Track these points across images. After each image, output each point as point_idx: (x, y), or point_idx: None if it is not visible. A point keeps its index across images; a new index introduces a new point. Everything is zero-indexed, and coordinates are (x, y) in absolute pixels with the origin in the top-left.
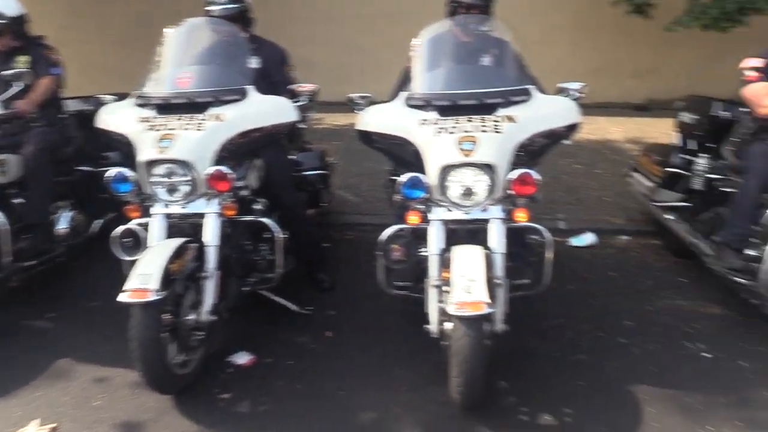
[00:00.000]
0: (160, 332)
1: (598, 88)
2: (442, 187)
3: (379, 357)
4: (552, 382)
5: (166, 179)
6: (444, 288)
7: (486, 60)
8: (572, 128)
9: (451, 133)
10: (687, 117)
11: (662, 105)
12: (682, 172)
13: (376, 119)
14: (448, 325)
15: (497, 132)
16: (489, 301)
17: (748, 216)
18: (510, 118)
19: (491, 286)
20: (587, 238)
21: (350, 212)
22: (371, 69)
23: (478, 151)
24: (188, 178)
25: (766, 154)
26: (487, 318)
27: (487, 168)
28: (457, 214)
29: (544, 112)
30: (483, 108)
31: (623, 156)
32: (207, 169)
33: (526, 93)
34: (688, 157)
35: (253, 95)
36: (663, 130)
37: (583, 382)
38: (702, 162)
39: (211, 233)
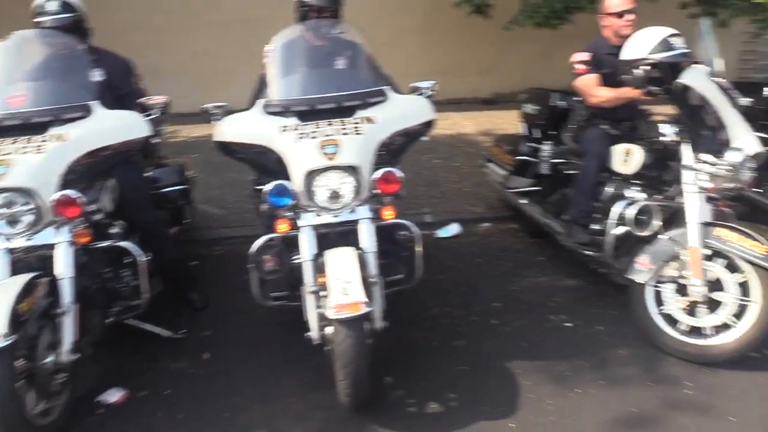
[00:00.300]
0: (15, 381)
1: (448, 86)
2: (309, 192)
3: (261, 371)
4: (435, 371)
5: (4, 210)
6: (321, 293)
7: (340, 63)
8: (428, 125)
9: (313, 137)
10: (529, 108)
11: (507, 98)
12: (530, 159)
13: (234, 129)
14: (329, 330)
15: (358, 134)
16: (366, 300)
17: (590, 194)
18: (369, 120)
19: (367, 286)
20: (452, 229)
21: (217, 226)
22: (224, 77)
23: (341, 153)
24: (31, 206)
25: (599, 137)
26: (366, 317)
27: (352, 170)
28: (327, 218)
29: (400, 111)
30: (342, 111)
31: (477, 148)
32: (52, 195)
33: (383, 94)
34: (534, 145)
35: (99, 111)
36: (510, 121)
37: (463, 366)
38: (546, 149)
39: (63, 265)
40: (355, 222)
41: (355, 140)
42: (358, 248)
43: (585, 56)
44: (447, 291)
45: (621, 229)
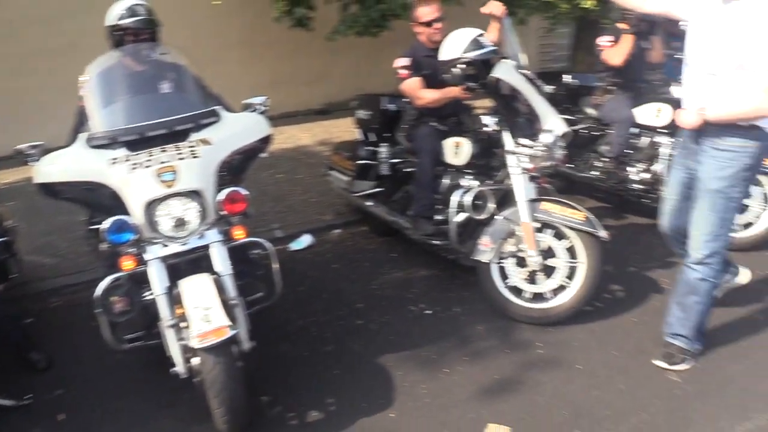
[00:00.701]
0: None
1: (278, 100)
2: (152, 223)
3: (130, 418)
4: (309, 380)
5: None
6: (181, 324)
7: (165, 87)
8: (266, 140)
9: (147, 166)
10: (362, 114)
11: (339, 106)
12: (369, 162)
13: (57, 168)
14: (196, 360)
15: (195, 157)
16: (230, 323)
17: (429, 188)
18: (205, 141)
19: (228, 309)
20: (305, 240)
21: (50, 276)
22: (32, 114)
23: (181, 179)
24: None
25: (430, 134)
26: (232, 340)
27: (194, 194)
28: (175, 248)
29: (236, 129)
30: (174, 136)
31: (318, 158)
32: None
33: (215, 114)
34: (371, 148)
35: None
36: (345, 129)
37: (336, 370)
38: (383, 151)
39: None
40: (205, 247)
41: (193, 164)
42: (212, 273)
43: (405, 61)
44: (309, 301)
45: (461, 216)
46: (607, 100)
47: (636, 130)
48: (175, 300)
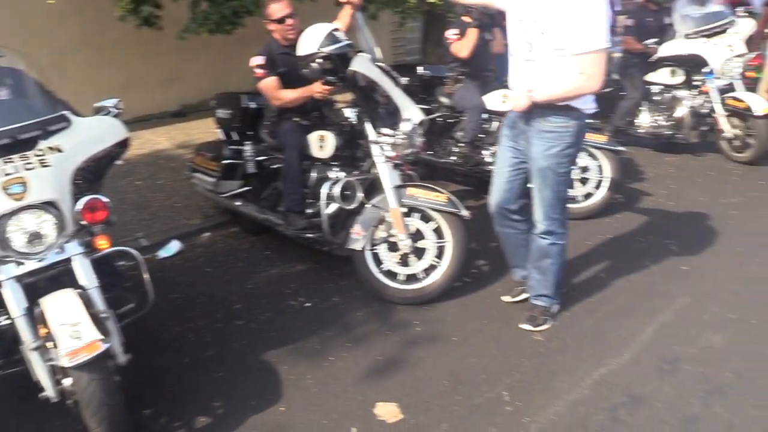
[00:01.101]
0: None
1: (132, 103)
2: (2, 241)
3: None
4: (193, 387)
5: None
6: (47, 344)
7: (3, 93)
8: (123, 145)
9: None
10: (222, 113)
11: (195, 107)
12: (235, 161)
13: None
14: (67, 381)
15: (45, 166)
16: (102, 337)
17: (298, 183)
18: (55, 149)
19: (99, 323)
20: (173, 247)
21: None
22: None
23: (32, 191)
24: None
25: (293, 129)
26: (107, 355)
27: (49, 205)
28: (31, 265)
29: (90, 134)
30: (19, 145)
31: (178, 162)
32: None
33: (65, 119)
34: (236, 147)
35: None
36: (205, 130)
37: (220, 372)
38: (248, 149)
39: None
40: (66, 261)
41: (44, 173)
42: (77, 287)
43: (260, 60)
44: (184, 307)
45: (332, 208)
46: (458, 89)
47: (486, 116)
48: (38, 320)
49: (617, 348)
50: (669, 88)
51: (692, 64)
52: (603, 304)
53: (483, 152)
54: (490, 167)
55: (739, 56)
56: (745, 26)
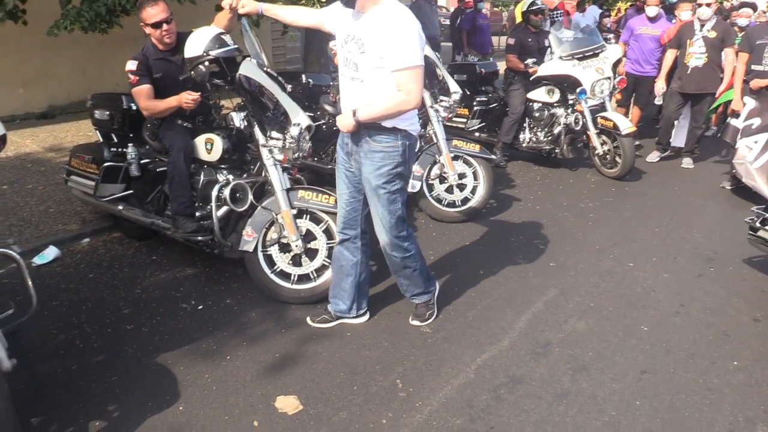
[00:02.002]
0: None
1: None
2: None
3: None
4: (84, 392)
5: None
6: None
7: None
8: (2, 140)
9: None
10: (101, 114)
11: (64, 109)
12: (116, 164)
13: None
14: None
15: None
16: None
17: (186, 185)
18: None
19: None
20: (50, 253)
21: None
22: None
23: None
24: None
25: (179, 132)
26: None
27: None
28: None
29: None
30: None
31: (49, 165)
32: None
33: None
34: (117, 149)
35: None
36: (77, 132)
37: (113, 376)
38: (131, 151)
39: None
40: None
41: None
42: None
43: (133, 66)
44: (69, 314)
45: (222, 210)
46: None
47: None
48: None
49: (496, 335)
50: (547, 106)
51: (567, 84)
52: (482, 297)
53: None
54: None
55: (607, 78)
56: (614, 52)
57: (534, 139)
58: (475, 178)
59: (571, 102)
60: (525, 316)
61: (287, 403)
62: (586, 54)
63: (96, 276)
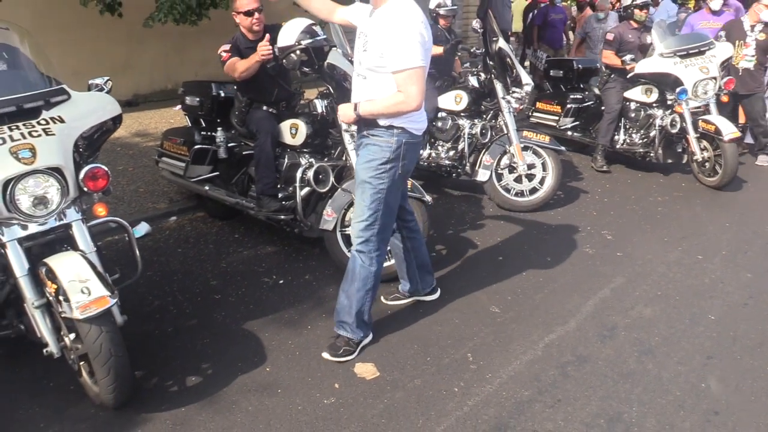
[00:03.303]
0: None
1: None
2: (11, 203)
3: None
4: (180, 352)
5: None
6: (61, 297)
7: (1, 66)
8: (117, 120)
9: (1, 144)
10: (191, 100)
11: (147, 98)
12: (206, 147)
13: None
14: (70, 338)
15: (50, 134)
16: (110, 293)
17: (271, 167)
18: (58, 119)
19: (104, 281)
20: (143, 228)
21: None
22: None
23: (40, 156)
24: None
25: (265, 116)
26: (110, 312)
27: (55, 171)
28: (34, 228)
29: (88, 108)
30: (23, 114)
31: (137, 149)
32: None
33: (65, 92)
34: (206, 133)
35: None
36: (161, 119)
37: (204, 339)
38: (220, 135)
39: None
40: (64, 227)
41: (51, 141)
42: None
43: (227, 47)
44: (162, 283)
45: (306, 190)
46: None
47: (443, 114)
48: (42, 280)
49: (564, 318)
50: (644, 106)
51: (666, 84)
52: (549, 282)
53: (439, 149)
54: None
55: (712, 79)
56: (724, 51)
57: (628, 140)
58: (544, 169)
59: (670, 102)
60: (592, 301)
61: (366, 370)
62: (691, 51)
63: (184, 251)
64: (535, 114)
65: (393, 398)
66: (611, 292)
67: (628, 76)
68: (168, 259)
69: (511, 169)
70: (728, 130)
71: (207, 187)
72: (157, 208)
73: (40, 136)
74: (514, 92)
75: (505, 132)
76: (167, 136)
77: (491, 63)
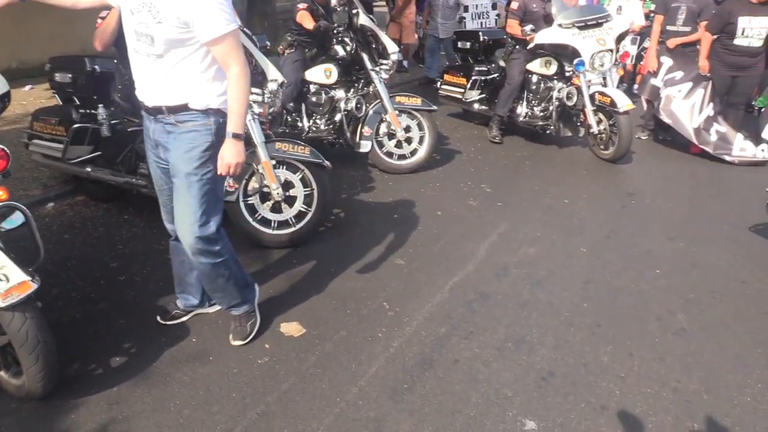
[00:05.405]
0: None
1: None
2: None
3: None
4: (96, 335)
5: None
6: None
7: None
8: (6, 97)
9: None
10: (62, 77)
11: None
12: (86, 125)
13: None
14: None
15: None
16: (31, 278)
17: None
18: None
19: (22, 267)
20: (18, 218)
21: None
22: None
23: None
24: None
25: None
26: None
27: None
28: None
29: None
30: None
31: None
32: None
33: None
34: (84, 111)
35: None
36: (13, 100)
37: (120, 320)
38: (102, 112)
39: None
40: None
41: None
42: None
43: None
44: (55, 271)
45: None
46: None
47: (314, 88)
48: None
49: (462, 263)
50: (545, 78)
51: (564, 56)
52: (443, 233)
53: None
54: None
55: (609, 51)
56: (620, 23)
57: (529, 113)
58: (420, 129)
59: (568, 75)
60: (483, 246)
61: (291, 328)
62: (588, 23)
63: (72, 236)
64: (443, 87)
65: (323, 350)
66: (498, 237)
67: (527, 47)
68: (56, 246)
69: (390, 135)
70: (623, 102)
71: (89, 169)
72: (31, 195)
73: None
74: (381, 63)
75: (379, 101)
76: (38, 117)
77: (355, 36)
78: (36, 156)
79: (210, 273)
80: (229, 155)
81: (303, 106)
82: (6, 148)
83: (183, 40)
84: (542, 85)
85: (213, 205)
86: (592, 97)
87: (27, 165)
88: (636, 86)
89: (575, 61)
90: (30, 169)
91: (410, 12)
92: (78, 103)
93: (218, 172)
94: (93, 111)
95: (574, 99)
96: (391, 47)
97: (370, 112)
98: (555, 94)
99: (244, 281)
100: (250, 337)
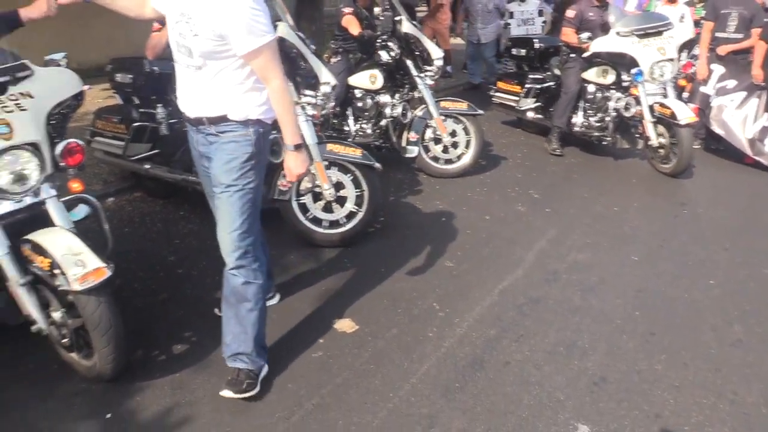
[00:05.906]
0: None
1: None
2: None
3: None
4: (156, 326)
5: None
6: (55, 272)
7: None
8: (80, 96)
9: None
10: (123, 78)
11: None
12: (145, 124)
13: None
14: (57, 315)
15: (22, 110)
16: (105, 264)
17: None
18: (26, 95)
19: (97, 254)
20: (81, 212)
21: None
22: None
23: (17, 132)
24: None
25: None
26: (111, 281)
27: (33, 147)
28: (7, 206)
29: (53, 83)
30: None
31: None
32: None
33: (27, 68)
34: (143, 110)
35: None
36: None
37: (180, 311)
38: (161, 111)
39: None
40: (40, 204)
41: (24, 116)
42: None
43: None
44: (118, 262)
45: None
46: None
47: (361, 93)
48: (23, 257)
49: (511, 267)
50: (602, 88)
51: (622, 65)
52: (492, 238)
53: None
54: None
55: (669, 60)
56: (683, 33)
57: (586, 123)
58: (467, 133)
59: (625, 84)
60: (532, 251)
61: (345, 325)
62: (648, 31)
63: (131, 230)
64: (496, 94)
65: (375, 347)
66: (547, 243)
67: (583, 56)
68: (117, 239)
69: (437, 140)
70: (684, 114)
71: (148, 166)
72: (93, 190)
73: (12, 111)
74: (426, 70)
75: (425, 106)
76: (101, 115)
77: (399, 43)
78: (98, 153)
79: (240, 293)
80: (295, 166)
81: (349, 111)
82: (81, 143)
83: (219, 53)
84: (599, 94)
85: (253, 216)
86: (651, 108)
87: (88, 161)
88: (685, 95)
89: (633, 71)
90: (91, 165)
91: (445, 18)
92: (137, 102)
93: (288, 181)
94: (152, 110)
95: (632, 110)
96: (436, 53)
97: (416, 117)
98: (612, 104)
99: (263, 342)
100: (244, 395)
